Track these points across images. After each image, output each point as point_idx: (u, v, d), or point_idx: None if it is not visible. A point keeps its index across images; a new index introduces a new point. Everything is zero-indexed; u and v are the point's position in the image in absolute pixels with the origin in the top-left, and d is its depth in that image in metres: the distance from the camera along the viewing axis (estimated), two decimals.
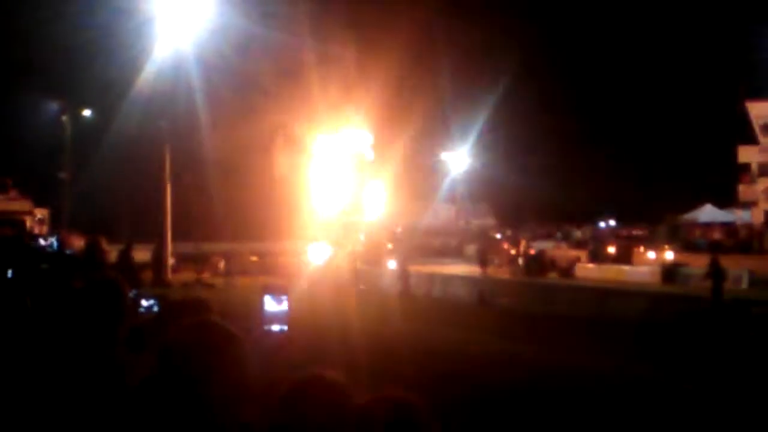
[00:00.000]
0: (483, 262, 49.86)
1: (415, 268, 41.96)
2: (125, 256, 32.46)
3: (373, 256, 48.36)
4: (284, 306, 23.80)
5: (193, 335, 2.97)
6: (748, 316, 27.53)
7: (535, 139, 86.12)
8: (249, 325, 21.47)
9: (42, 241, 39.13)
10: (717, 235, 66.05)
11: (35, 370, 3.96)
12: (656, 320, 27.50)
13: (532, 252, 54.20)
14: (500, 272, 50.18)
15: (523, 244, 56.34)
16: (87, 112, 60.69)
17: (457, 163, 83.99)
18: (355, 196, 55.69)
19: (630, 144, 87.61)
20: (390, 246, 51.00)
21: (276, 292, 24.47)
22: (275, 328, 23.36)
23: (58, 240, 40.87)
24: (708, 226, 70.08)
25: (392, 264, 43.81)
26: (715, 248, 49.69)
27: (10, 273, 12.77)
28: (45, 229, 46.80)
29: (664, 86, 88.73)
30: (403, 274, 40.26)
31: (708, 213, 73.81)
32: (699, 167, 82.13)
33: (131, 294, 4.89)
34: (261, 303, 23.75)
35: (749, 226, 68.27)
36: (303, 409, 2.74)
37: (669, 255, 53.46)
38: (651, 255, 54.73)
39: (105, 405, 3.57)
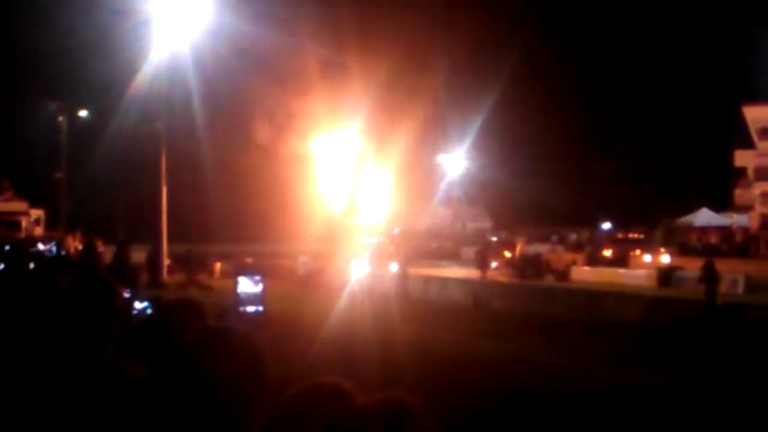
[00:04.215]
0: (482, 265, 49.67)
1: (412, 271, 41.96)
2: (120, 256, 32.44)
3: (376, 259, 48.27)
4: (259, 287, 23.78)
5: (212, 344, 2.83)
6: (743, 320, 27.57)
7: (532, 142, 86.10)
8: (224, 308, 21.43)
9: (41, 246, 38.90)
10: (713, 239, 66.25)
11: (28, 370, 3.97)
12: (651, 323, 27.56)
13: (528, 255, 54.07)
14: (498, 275, 50.12)
15: (518, 247, 56.26)
16: (83, 113, 60.58)
17: (454, 166, 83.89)
18: (353, 199, 55.66)
19: (627, 147, 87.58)
20: (392, 249, 50.85)
21: (250, 272, 24.49)
22: (250, 309, 23.35)
23: (57, 245, 40.62)
24: (704, 229, 70.20)
25: (394, 267, 43.76)
26: (709, 252, 49.69)
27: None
28: (40, 230, 46.70)
29: (661, 89, 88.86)
30: (403, 277, 40.26)
31: (704, 217, 73.94)
32: (696, 171, 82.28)
33: (125, 295, 4.87)
34: (235, 284, 23.75)
35: (745, 230, 68.39)
36: (303, 416, 2.68)
37: (665, 258, 53.49)
38: (647, 258, 54.71)
39: (96, 405, 3.57)
